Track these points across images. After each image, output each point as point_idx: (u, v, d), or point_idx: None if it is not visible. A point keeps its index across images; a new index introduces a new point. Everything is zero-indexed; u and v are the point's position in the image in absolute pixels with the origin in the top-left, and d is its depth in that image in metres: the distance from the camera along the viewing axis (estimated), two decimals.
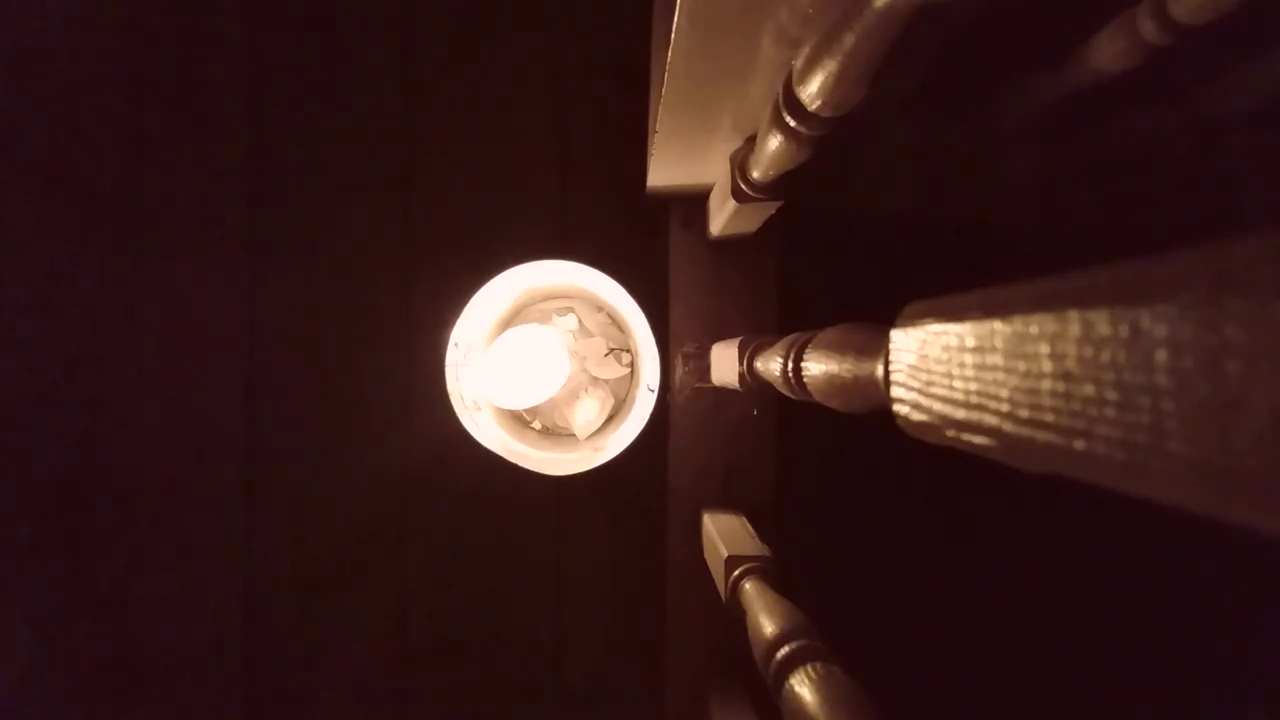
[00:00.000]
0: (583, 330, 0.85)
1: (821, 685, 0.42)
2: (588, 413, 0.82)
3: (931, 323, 0.25)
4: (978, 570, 0.90)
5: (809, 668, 0.44)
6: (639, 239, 0.88)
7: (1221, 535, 0.21)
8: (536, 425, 0.86)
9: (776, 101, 0.46)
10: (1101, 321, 0.16)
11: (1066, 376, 0.18)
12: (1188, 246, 0.14)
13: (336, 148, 0.91)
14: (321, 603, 0.92)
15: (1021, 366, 0.20)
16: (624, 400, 0.84)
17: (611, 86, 0.90)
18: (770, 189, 0.61)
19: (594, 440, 0.82)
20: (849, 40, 0.36)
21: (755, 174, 0.59)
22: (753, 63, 0.50)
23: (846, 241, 0.90)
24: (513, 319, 0.85)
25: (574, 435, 0.84)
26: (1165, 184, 0.75)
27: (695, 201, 0.82)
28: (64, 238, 0.89)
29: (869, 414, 0.35)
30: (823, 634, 0.50)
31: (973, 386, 0.22)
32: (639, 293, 0.71)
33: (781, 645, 0.48)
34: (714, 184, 0.75)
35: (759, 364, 0.59)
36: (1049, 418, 0.19)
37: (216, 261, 0.90)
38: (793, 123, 0.46)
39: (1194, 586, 0.83)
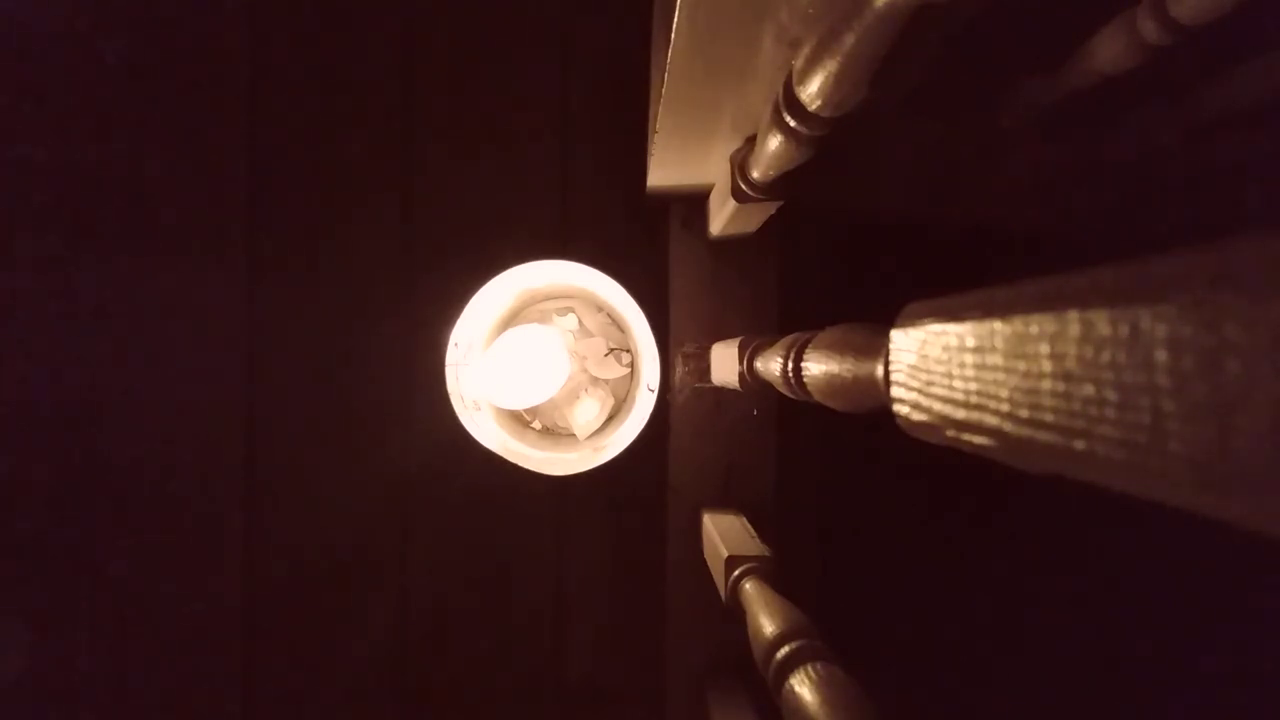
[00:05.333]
0: (583, 330, 0.85)
1: (821, 685, 0.42)
2: (588, 413, 0.82)
3: (931, 323, 0.25)
4: (978, 570, 0.90)
5: (809, 668, 0.44)
6: (639, 239, 0.88)
7: (1221, 535, 0.21)
8: (536, 425, 0.86)
9: (776, 101, 0.46)
10: (1101, 321, 0.16)
11: (1066, 376, 0.18)
12: (1188, 246, 0.14)
13: (336, 148, 0.91)
14: (321, 603, 0.92)
15: (1021, 366, 0.20)
16: (624, 400, 0.84)
17: (611, 86, 0.90)
18: (770, 189, 0.61)
19: (594, 440, 0.82)
20: (849, 40, 0.36)
21: (755, 174, 0.59)
22: (753, 63, 0.50)
23: (846, 241, 0.90)
24: (513, 319, 0.85)
25: (574, 435, 0.84)
26: (1165, 184, 0.75)
27: (695, 201, 0.82)
28: (63, 237, 0.89)
29: (869, 414, 0.35)
30: (823, 634, 0.50)
31: (973, 386, 0.22)
32: (639, 293, 0.71)
33: (781, 645, 0.48)
34: (714, 184, 0.75)
35: (759, 364, 0.59)
36: (1049, 418, 0.19)
37: (216, 261, 0.90)
38: (793, 123, 0.46)
39: (1194, 586, 0.83)
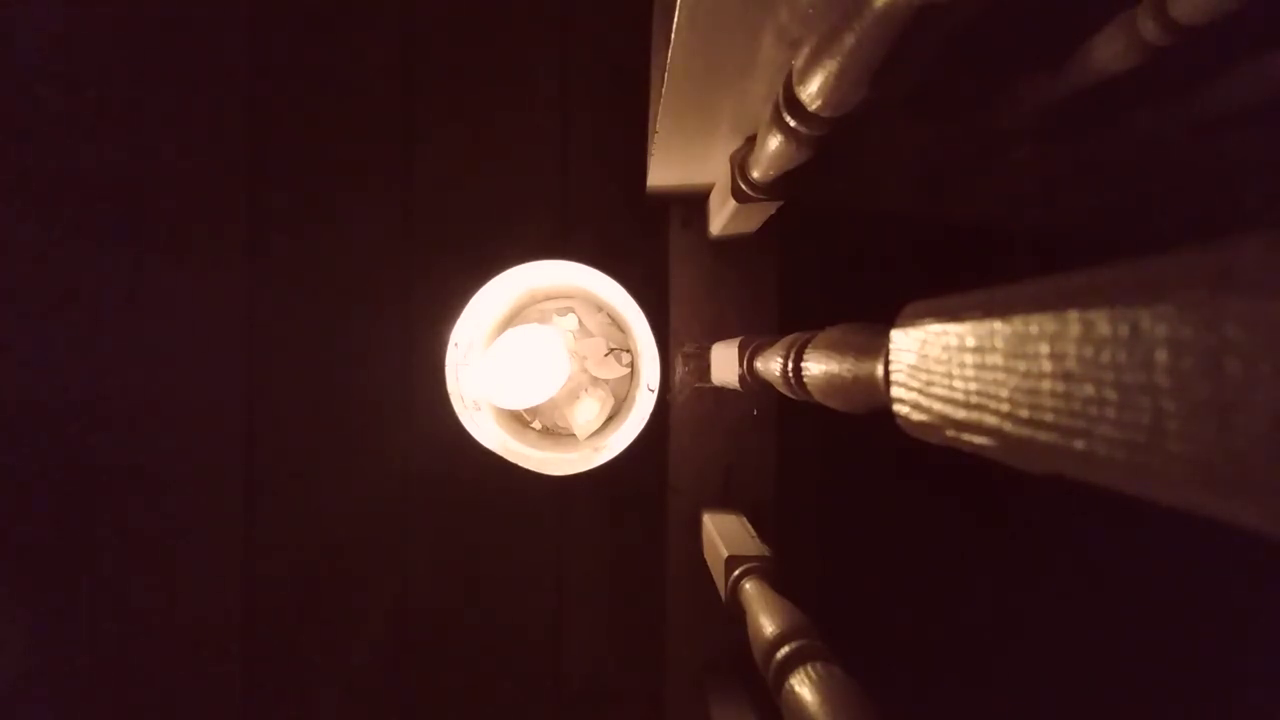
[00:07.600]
0: (583, 330, 0.85)
1: (821, 685, 0.42)
2: (588, 413, 0.82)
3: (931, 323, 0.25)
4: (978, 570, 0.90)
5: (809, 668, 0.44)
6: (639, 239, 0.88)
7: (1221, 535, 0.21)
8: (536, 425, 0.86)
9: (776, 101, 0.46)
10: (1101, 321, 0.16)
11: (1066, 376, 0.18)
12: (1188, 246, 0.14)
13: (336, 146, 0.91)
14: (321, 603, 0.92)
15: (1021, 366, 0.20)
16: (624, 400, 0.84)
17: (611, 86, 0.90)
18: (770, 189, 0.61)
19: (594, 440, 0.82)
20: (849, 40, 0.36)
21: (755, 174, 0.59)
22: (753, 63, 0.50)
23: (846, 241, 0.90)
24: (513, 319, 0.85)
25: (574, 435, 0.84)
26: (1165, 184, 0.75)
27: (695, 201, 0.82)
28: (63, 237, 0.89)
29: (869, 414, 0.35)
30: (823, 634, 0.50)
31: (973, 386, 0.22)
32: (639, 293, 0.71)
33: (781, 645, 0.48)
34: (714, 184, 0.75)
35: (759, 364, 0.59)
36: (1049, 418, 0.19)
37: (216, 260, 0.90)
38: (793, 123, 0.46)
39: (1194, 586, 0.83)
